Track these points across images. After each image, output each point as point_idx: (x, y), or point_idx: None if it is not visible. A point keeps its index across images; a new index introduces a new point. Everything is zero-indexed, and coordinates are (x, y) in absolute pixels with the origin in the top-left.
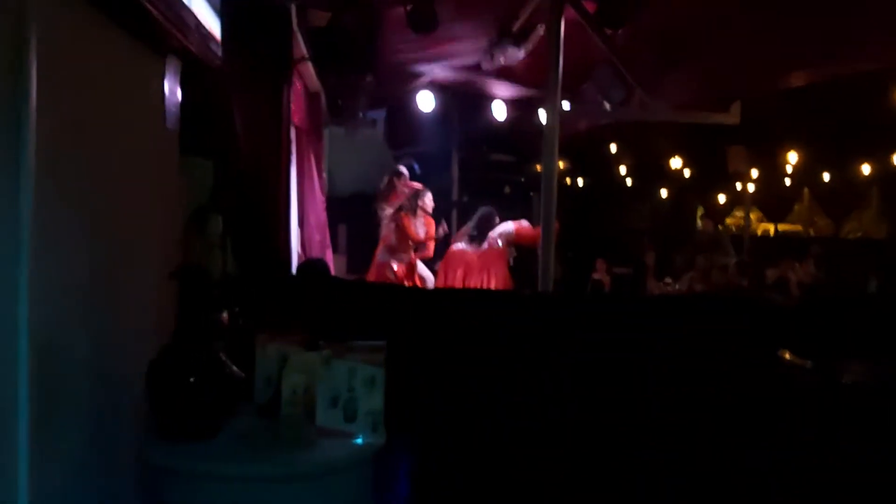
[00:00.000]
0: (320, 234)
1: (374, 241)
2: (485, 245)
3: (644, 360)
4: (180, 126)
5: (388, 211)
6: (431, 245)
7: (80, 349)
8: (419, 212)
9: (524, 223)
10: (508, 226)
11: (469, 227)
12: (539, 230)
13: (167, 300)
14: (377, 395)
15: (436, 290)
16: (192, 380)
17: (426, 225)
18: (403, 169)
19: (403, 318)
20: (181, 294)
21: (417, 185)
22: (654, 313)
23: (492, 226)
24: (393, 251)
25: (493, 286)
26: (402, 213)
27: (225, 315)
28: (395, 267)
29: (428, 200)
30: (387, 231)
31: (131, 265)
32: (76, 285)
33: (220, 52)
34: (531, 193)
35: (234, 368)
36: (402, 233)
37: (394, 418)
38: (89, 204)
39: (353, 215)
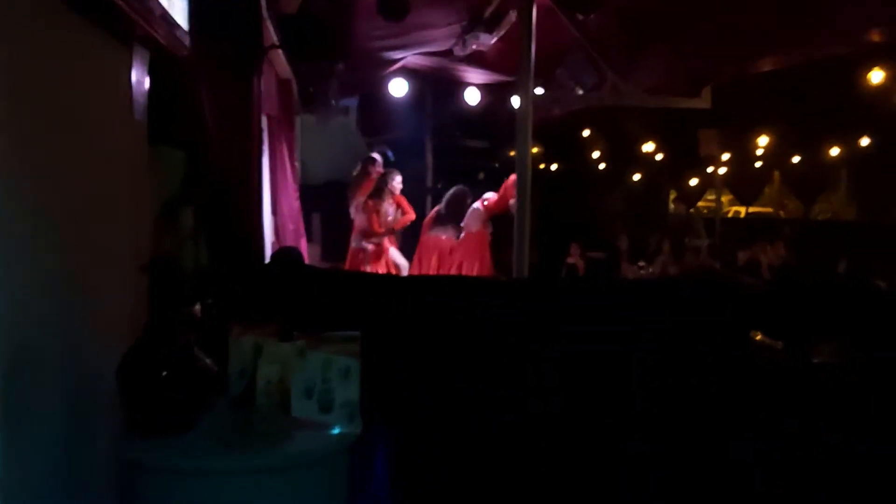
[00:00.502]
0: (294, 223)
1: (347, 230)
2: (462, 234)
3: (618, 345)
4: (149, 116)
5: (361, 199)
6: (410, 215)
7: (49, 345)
8: (387, 194)
9: (487, 196)
10: (476, 208)
11: (440, 207)
12: (504, 190)
13: (138, 294)
14: (353, 386)
15: (411, 277)
16: (164, 374)
17: (396, 203)
18: (377, 156)
19: (378, 308)
20: (152, 287)
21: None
22: (628, 298)
23: (464, 205)
24: (366, 236)
25: (475, 272)
26: (370, 202)
27: (197, 307)
28: (369, 247)
29: (396, 183)
30: (359, 219)
31: (100, 259)
32: (43, 280)
33: (188, 41)
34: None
35: (208, 361)
36: (371, 221)
37: (370, 409)
38: (55, 197)
39: (327, 203)
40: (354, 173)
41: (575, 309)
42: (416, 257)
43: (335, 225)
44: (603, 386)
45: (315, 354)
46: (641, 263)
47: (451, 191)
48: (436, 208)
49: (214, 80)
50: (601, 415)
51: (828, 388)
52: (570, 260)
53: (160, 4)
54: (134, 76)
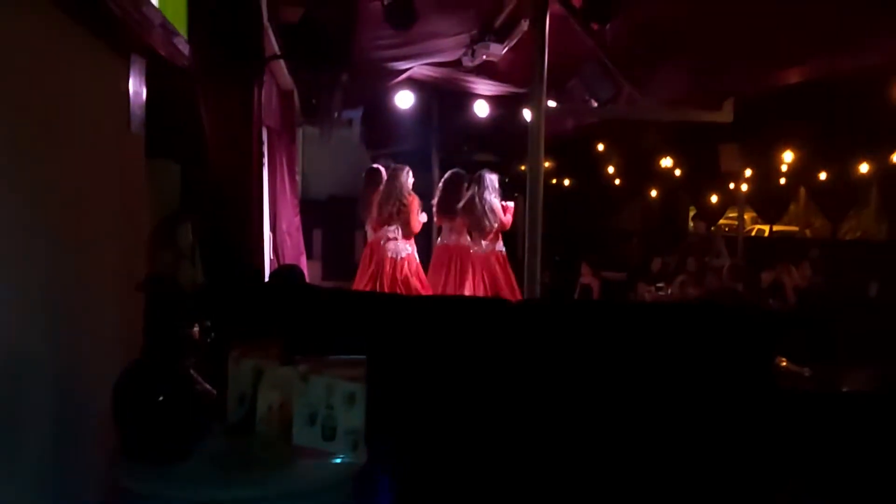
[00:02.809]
0: (293, 240)
1: (350, 247)
2: (485, 243)
3: (636, 373)
4: (146, 128)
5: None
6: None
7: (39, 367)
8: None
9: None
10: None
11: (438, 196)
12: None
13: (134, 314)
14: (357, 413)
15: (420, 298)
16: (160, 399)
17: (411, 202)
18: (379, 167)
19: (385, 330)
20: (148, 307)
21: None
22: (646, 322)
23: (460, 190)
24: (406, 236)
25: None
26: (410, 196)
27: (195, 329)
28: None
29: (404, 178)
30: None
31: (95, 277)
32: (33, 298)
33: (187, 50)
34: (516, 195)
35: (206, 386)
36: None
37: (376, 438)
38: (47, 212)
39: (329, 219)
40: (361, 188)
41: (590, 333)
42: (432, 268)
43: (337, 242)
44: (620, 417)
45: (318, 379)
46: (659, 284)
47: (446, 176)
48: (436, 197)
49: (213, 91)
50: (617, 447)
51: (858, 419)
52: (585, 280)
53: (159, 13)
54: (131, 87)
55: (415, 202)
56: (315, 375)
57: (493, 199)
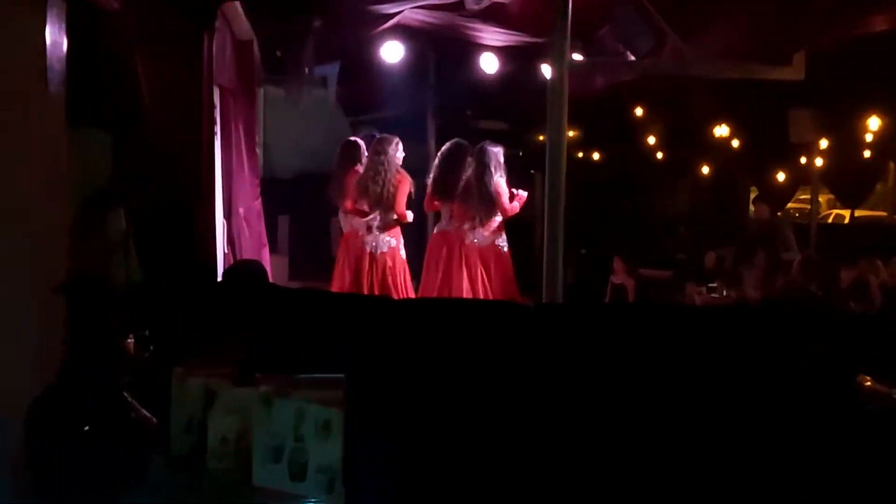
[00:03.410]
0: (253, 229)
1: (322, 237)
2: (484, 233)
3: (684, 396)
4: (68, 88)
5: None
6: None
7: None
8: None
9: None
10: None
11: (433, 174)
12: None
13: (52, 322)
14: (333, 446)
15: (411, 301)
16: (85, 430)
17: (400, 181)
18: (359, 140)
19: (368, 342)
20: (71, 313)
21: None
22: (696, 332)
23: (462, 166)
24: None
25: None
26: (399, 175)
27: (130, 340)
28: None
29: (394, 151)
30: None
31: (2, 276)
32: None
33: None
34: (532, 171)
35: (143, 412)
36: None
37: (356, 476)
38: None
39: (298, 203)
40: (334, 167)
41: (625, 346)
42: (427, 261)
43: (307, 232)
44: (661, 450)
45: (284, 403)
46: (712, 284)
47: (445, 148)
48: (433, 175)
49: (153, 42)
50: (655, 487)
51: None
52: (617, 279)
53: None
54: (48, 35)
55: (405, 182)
56: (281, 398)
57: (496, 179)
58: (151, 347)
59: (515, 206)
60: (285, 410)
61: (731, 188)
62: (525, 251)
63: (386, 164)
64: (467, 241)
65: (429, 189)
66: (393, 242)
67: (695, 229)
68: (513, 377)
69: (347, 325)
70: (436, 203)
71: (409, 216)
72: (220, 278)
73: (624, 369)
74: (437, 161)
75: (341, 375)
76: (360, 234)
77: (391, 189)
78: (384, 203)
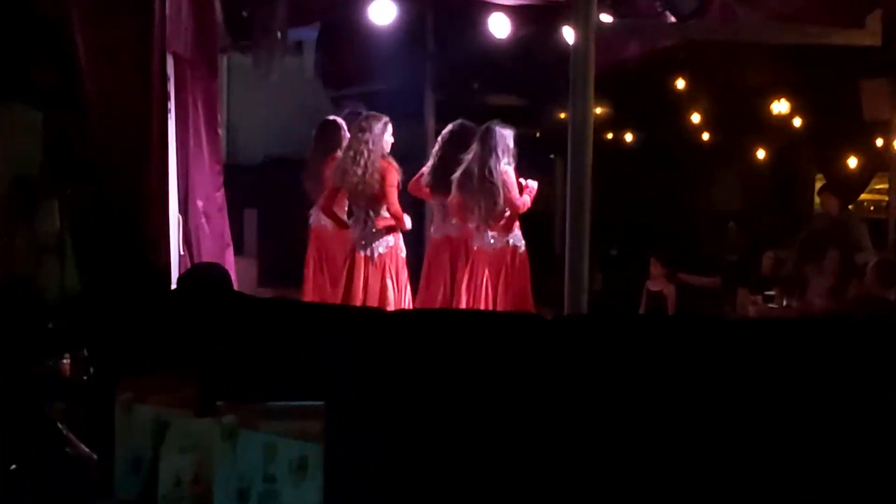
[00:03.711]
0: (214, 225)
1: (297, 235)
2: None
3: (737, 427)
4: None
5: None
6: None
7: None
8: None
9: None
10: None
11: (432, 162)
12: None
13: None
14: (311, 487)
15: (405, 313)
16: (11, 469)
17: (386, 170)
18: (339, 119)
19: (354, 362)
20: None
21: None
22: (752, 350)
23: (465, 147)
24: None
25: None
26: (384, 161)
27: (65, 361)
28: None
29: (379, 131)
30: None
31: None
32: None
33: None
34: (551, 156)
35: (82, 447)
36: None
37: None
38: None
39: (267, 195)
40: (310, 151)
41: (663, 369)
42: (425, 267)
43: (279, 228)
44: (711, 489)
45: (252, 437)
46: (770, 292)
47: (448, 129)
48: (430, 161)
49: (94, 5)
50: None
51: None
52: (654, 286)
53: None
54: None
55: (392, 172)
56: (248, 431)
57: (503, 166)
58: (91, 369)
59: (526, 201)
60: (253, 445)
61: (793, 176)
62: (543, 253)
63: (371, 144)
64: (475, 247)
65: (423, 175)
66: (391, 241)
67: (748, 226)
68: (527, 406)
69: (328, 341)
70: (426, 191)
71: (408, 222)
72: (174, 285)
73: (660, 397)
74: (437, 146)
75: (321, 403)
76: (332, 230)
77: (376, 176)
78: (367, 193)
